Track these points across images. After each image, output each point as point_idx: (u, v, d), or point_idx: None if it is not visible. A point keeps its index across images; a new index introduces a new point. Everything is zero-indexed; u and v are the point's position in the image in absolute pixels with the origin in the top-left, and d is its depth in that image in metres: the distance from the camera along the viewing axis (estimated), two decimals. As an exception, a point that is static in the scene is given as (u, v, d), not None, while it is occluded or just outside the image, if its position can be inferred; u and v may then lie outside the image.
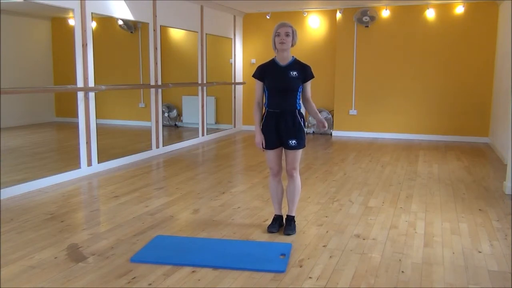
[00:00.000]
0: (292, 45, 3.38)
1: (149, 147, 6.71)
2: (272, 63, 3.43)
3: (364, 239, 3.38)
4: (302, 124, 3.43)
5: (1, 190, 4.35)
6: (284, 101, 3.38)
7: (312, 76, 3.44)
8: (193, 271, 2.81)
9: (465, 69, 8.09)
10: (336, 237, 3.42)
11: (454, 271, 2.85)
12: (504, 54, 6.95)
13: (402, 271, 2.84)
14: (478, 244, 3.31)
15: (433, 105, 8.31)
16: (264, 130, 3.43)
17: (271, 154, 3.47)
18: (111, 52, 7.40)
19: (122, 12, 5.98)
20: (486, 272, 2.83)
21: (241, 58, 9.48)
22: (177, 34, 8.02)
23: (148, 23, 6.52)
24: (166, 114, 8.46)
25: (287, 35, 3.32)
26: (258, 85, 3.46)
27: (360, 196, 4.55)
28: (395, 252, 3.13)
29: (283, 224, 3.61)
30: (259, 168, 5.83)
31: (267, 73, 3.42)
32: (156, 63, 6.69)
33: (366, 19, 8.36)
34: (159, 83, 6.77)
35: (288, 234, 3.46)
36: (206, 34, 7.98)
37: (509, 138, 4.82)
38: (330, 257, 3.05)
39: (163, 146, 6.94)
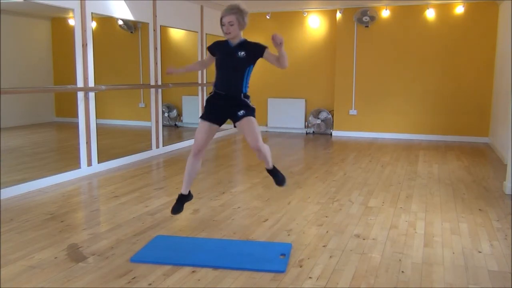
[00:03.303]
0: (241, 29, 3.33)
1: (149, 147, 6.71)
2: (226, 42, 3.42)
3: (364, 239, 3.38)
4: (250, 104, 3.41)
5: (1, 190, 4.35)
6: (229, 82, 3.35)
7: (263, 47, 3.35)
8: (193, 271, 2.81)
9: (465, 69, 8.09)
10: (336, 237, 3.42)
11: (454, 271, 2.85)
12: (504, 54, 6.95)
13: (402, 271, 2.83)
14: (478, 244, 3.31)
15: (433, 105, 8.31)
16: (208, 103, 3.41)
17: (204, 125, 3.37)
18: (111, 52, 7.40)
19: (122, 12, 5.98)
20: (486, 272, 2.83)
21: (241, 58, 9.47)
22: (177, 34, 8.02)
23: (148, 23, 6.52)
24: (166, 114, 8.46)
25: (231, 24, 3.26)
26: (208, 56, 3.52)
27: (360, 196, 4.55)
28: (395, 252, 3.13)
29: (189, 199, 3.53)
30: (259, 168, 5.83)
31: (219, 50, 3.42)
32: (156, 63, 6.69)
33: (366, 19, 8.36)
34: (159, 83, 6.77)
35: (281, 185, 3.50)
36: (206, 34, 7.98)
37: (509, 138, 4.82)
38: (330, 257, 3.05)
39: (163, 146, 6.94)
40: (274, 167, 3.55)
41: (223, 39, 3.46)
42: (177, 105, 8.74)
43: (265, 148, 3.41)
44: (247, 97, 3.43)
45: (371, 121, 8.70)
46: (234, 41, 3.38)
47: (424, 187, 4.93)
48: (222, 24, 3.32)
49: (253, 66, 3.42)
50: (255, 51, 3.36)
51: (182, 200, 3.50)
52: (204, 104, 3.48)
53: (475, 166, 6.03)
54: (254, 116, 3.40)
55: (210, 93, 3.46)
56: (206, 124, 3.39)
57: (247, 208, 4.14)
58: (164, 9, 6.79)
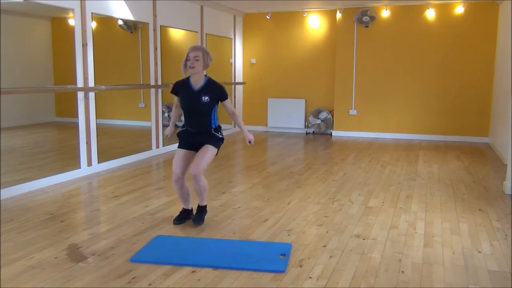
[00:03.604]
0: (204, 68, 3.47)
1: (149, 147, 6.71)
2: (187, 84, 3.53)
3: (364, 239, 3.38)
4: (219, 135, 3.60)
5: (1, 190, 4.35)
6: (198, 123, 3.55)
7: (225, 97, 3.53)
8: (193, 271, 2.81)
9: (465, 69, 8.09)
10: (336, 237, 3.42)
11: (454, 271, 2.85)
12: (504, 54, 6.95)
13: (402, 271, 2.84)
14: (478, 244, 3.31)
15: (433, 105, 8.31)
16: (181, 137, 3.63)
17: (179, 152, 3.57)
18: (111, 52, 7.39)
19: (122, 12, 5.98)
20: (486, 272, 2.84)
21: (241, 58, 9.48)
22: (177, 34, 8.02)
23: (148, 23, 6.52)
24: (166, 114, 8.46)
25: (196, 59, 3.40)
26: (176, 98, 3.63)
27: (360, 196, 4.55)
28: (395, 252, 3.13)
29: (191, 217, 3.72)
30: (259, 168, 5.83)
31: (181, 93, 3.55)
32: (156, 63, 6.69)
33: (366, 19, 8.36)
34: (159, 83, 6.77)
35: (195, 225, 3.60)
36: (206, 34, 7.98)
37: (509, 138, 4.82)
38: (330, 257, 3.05)
39: (163, 146, 6.94)
40: (205, 206, 3.71)
41: (183, 78, 3.59)
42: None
43: (203, 182, 3.55)
44: (218, 129, 3.62)
45: (371, 121, 8.70)
46: (197, 83, 3.49)
47: (424, 187, 4.93)
48: (187, 59, 3.44)
49: (217, 106, 3.58)
50: (219, 96, 3.53)
51: (184, 213, 3.73)
52: (178, 138, 3.68)
53: (475, 166, 6.03)
54: (216, 147, 3.57)
55: (182, 128, 3.64)
56: (181, 151, 3.59)
57: (247, 208, 4.15)
58: (164, 9, 6.79)
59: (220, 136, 3.61)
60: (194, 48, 3.43)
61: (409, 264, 2.95)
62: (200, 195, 3.63)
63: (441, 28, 8.13)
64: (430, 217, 3.91)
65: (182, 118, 3.69)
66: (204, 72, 3.55)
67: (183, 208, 3.76)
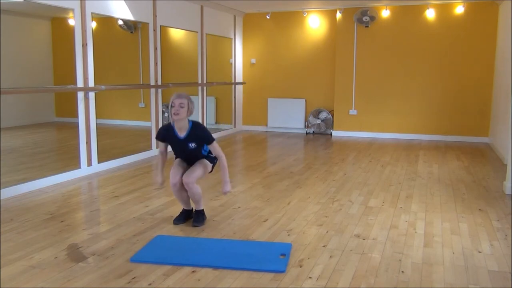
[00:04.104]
0: (189, 115, 3.52)
1: (149, 147, 6.71)
2: (172, 132, 3.58)
3: (364, 239, 3.38)
4: (213, 157, 3.68)
5: (1, 190, 4.35)
6: (190, 160, 3.66)
7: (210, 140, 3.57)
8: (193, 271, 2.81)
9: (465, 69, 8.09)
10: (336, 237, 3.42)
11: (454, 271, 2.85)
12: (504, 54, 6.95)
13: (402, 271, 2.83)
14: (478, 244, 3.31)
15: (433, 105, 8.31)
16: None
17: (176, 161, 3.66)
18: (111, 52, 7.39)
19: (122, 12, 5.98)
20: (486, 272, 2.84)
21: (241, 58, 9.48)
22: (177, 34, 8.02)
23: (148, 23, 6.52)
24: (166, 114, 8.46)
25: (181, 106, 3.44)
26: (161, 144, 3.69)
27: (360, 196, 4.55)
28: (395, 252, 3.13)
29: (192, 217, 3.76)
30: (259, 168, 5.83)
31: (169, 140, 3.62)
32: (156, 63, 6.69)
33: (366, 19, 8.36)
34: (159, 83, 6.77)
35: (195, 226, 3.61)
36: (206, 34, 7.98)
37: (509, 138, 4.82)
38: (330, 257, 3.05)
39: (163, 146, 6.93)
40: (202, 210, 3.74)
41: (164, 125, 3.69)
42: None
43: (196, 189, 3.57)
44: (210, 157, 3.71)
45: (371, 121, 8.71)
46: (182, 130, 3.54)
47: (424, 187, 4.93)
48: (172, 106, 3.47)
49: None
50: (204, 140, 3.58)
51: (184, 214, 3.77)
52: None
53: (475, 166, 6.03)
54: (211, 162, 3.67)
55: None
56: (178, 160, 3.68)
57: (247, 208, 4.15)
58: (164, 9, 6.79)
59: (213, 156, 3.69)
60: (179, 96, 3.46)
61: (409, 264, 2.95)
62: (195, 201, 3.67)
63: (441, 28, 8.13)
64: (430, 217, 3.91)
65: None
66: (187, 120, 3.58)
67: (183, 208, 3.78)
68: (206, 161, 3.66)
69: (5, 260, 2.97)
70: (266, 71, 9.44)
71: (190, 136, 3.53)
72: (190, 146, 3.53)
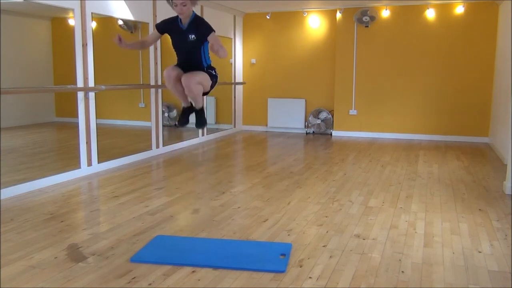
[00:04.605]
0: (193, 6, 3.45)
1: (149, 147, 6.71)
2: (176, 22, 3.51)
3: (364, 239, 3.38)
4: (213, 73, 3.57)
5: (1, 190, 4.35)
6: (188, 59, 3.52)
7: (208, 32, 3.45)
8: (193, 271, 2.81)
9: (465, 69, 8.09)
10: (336, 237, 3.42)
11: (454, 271, 2.85)
12: (504, 54, 6.95)
13: (402, 271, 2.84)
14: (478, 244, 3.31)
15: (433, 105, 8.31)
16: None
17: (172, 65, 3.57)
18: (111, 52, 7.39)
19: (122, 12, 5.98)
20: (486, 272, 2.84)
21: (241, 58, 9.48)
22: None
23: (148, 23, 6.52)
24: (166, 114, 8.46)
25: (183, 5, 3.38)
26: (154, 34, 3.61)
27: (360, 196, 4.55)
28: (395, 252, 3.13)
29: (192, 111, 3.74)
30: (259, 168, 5.83)
31: (171, 31, 3.54)
32: (156, 63, 6.69)
33: (366, 19, 8.36)
34: (159, 83, 6.77)
35: (198, 127, 3.66)
36: (206, 34, 7.97)
37: (509, 138, 4.82)
38: (330, 257, 3.05)
39: (163, 146, 6.94)
40: (202, 108, 3.67)
41: (173, 16, 3.57)
42: (177, 105, 8.73)
43: (197, 88, 3.45)
44: (212, 68, 3.59)
45: (371, 121, 8.71)
46: (185, 21, 3.47)
47: (424, 187, 4.93)
48: (174, 5, 3.41)
49: (208, 42, 3.50)
50: (203, 32, 3.46)
51: (186, 112, 3.69)
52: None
53: (475, 166, 6.03)
54: (211, 78, 3.53)
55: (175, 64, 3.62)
56: (175, 65, 3.59)
57: (247, 208, 4.15)
58: (164, 9, 6.77)
59: (214, 73, 3.56)
60: None
61: (409, 264, 2.95)
62: (195, 100, 3.56)
63: (441, 28, 8.13)
64: (430, 217, 3.91)
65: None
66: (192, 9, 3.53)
67: (183, 107, 3.67)
68: (206, 74, 3.52)
69: (5, 260, 2.97)
70: (266, 71, 9.44)
71: (191, 25, 3.45)
72: (190, 38, 3.44)
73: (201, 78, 3.48)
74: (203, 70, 3.53)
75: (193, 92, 3.48)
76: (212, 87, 3.62)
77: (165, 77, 3.51)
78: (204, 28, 3.48)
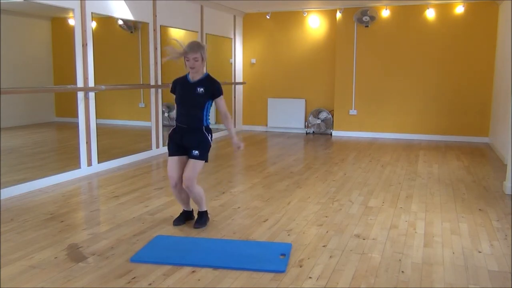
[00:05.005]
0: (204, 64, 3.50)
1: (149, 147, 6.71)
2: (184, 79, 3.56)
3: (364, 239, 3.38)
4: (209, 139, 3.55)
5: (1, 190, 4.35)
6: (189, 116, 3.51)
7: (219, 93, 3.51)
8: (193, 271, 2.81)
9: (465, 69, 8.09)
10: (336, 237, 3.42)
11: (454, 271, 2.85)
12: (504, 54, 6.95)
13: (402, 271, 2.84)
14: (478, 244, 3.31)
15: (433, 105, 8.31)
16: (170, 140, 3.60)
17: (171, 160, 3.58)
18: (111, 52, 7.39)
19: (122, 12, 5.98)
20: (486, 272, 2.84)
21: (241, 58, 9.48)
22: (177, 34, 8.02)
23: (148, 23, 6.52)
24: (166, 114, 8.46)
25: (196, 60, 3.42)
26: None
27: (360, 196, 4.55)
28: (395, 252, 3.13)
29: (192, 218, 3.75)
30: (259, 168, 5.83)
31: (178, 87, 3.56)
32: (156, 63, 6.69)
33: (366, 19, 8.36)
34: (159, 83, 6.77)
35: (196, 228, 3.58)
36: (206, 34, 7.98)
37: (509, 138, 4.82)
38: (330, 257, 3.05)
39: (163, 146, 6.94)
40: (206, 212, 3.71)
41: (182, 75, 3.59)
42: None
43: (197, 189, 3.55)
44: (209, 130, 3.58)
45: (371, 121, 8.70)
46: (195, 77, 3.51)
47: (424, 187, 4.92)
48: (186, 60, 3.45)
49: (212, 103, 3.54)
50: (213, 91, 3.50)
51: (184, 215, 3.74)
52: (168, 140, 3.67)
53: (475, 166, 6.03)
54: (204, 158, 3.55)
55: (173, 128, 3.62)
56: (173, 158, 3.58)
57: (247, 208, 4.15)
58: (164, 9, 6.78)
59: (210, 141, 3.58)
60: (192, 49, 3.41)
61: (409, 264, 2.95)
62: (198, 203, 3.64)
63: (441, 28, 8.13)
64: (430, 217, 3.91)
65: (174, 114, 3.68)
66: (204, 70, 3.58)
67: (183, 210, 3.77)
68: (199, 161, 3.49)
69: (5, 260, 2.97)
70: (266, 71, 9.44)
71: (201, 82, 3.47)
72: (198, 90, 3.44)
73: (198, 169, 3.53)
74: (201, 131, 3.51)
75: (195, 197, 3.58)
76: (207, 157, 3.65)
77: (170, 182, 3.57)
78: (215, 87, 3.51)
